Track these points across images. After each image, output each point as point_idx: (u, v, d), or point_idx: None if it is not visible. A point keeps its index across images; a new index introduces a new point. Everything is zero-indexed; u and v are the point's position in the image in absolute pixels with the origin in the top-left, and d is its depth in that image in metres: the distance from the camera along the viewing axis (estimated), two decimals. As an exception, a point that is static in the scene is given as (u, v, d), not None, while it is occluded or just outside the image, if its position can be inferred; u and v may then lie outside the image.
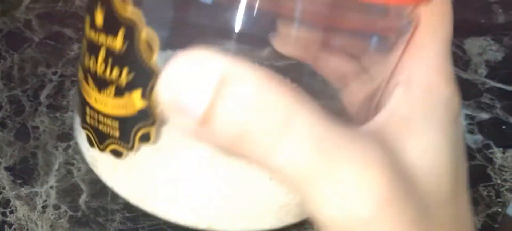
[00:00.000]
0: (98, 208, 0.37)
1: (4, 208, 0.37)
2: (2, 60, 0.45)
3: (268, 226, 0.18)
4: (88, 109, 0.17)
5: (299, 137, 0.14)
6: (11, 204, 0.37)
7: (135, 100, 0.16)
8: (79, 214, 0.37)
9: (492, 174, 0.40)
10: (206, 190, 0.18)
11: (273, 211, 0.18)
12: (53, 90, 0.43)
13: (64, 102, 0.42)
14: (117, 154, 0.17)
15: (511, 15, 0.50)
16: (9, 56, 0.45)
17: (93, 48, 0.16)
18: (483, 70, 0.46)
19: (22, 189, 0.38)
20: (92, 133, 0.18)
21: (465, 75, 0.45)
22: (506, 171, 0.40)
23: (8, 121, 0.41)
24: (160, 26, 0.15)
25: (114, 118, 0.16)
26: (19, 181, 0.38)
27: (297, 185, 0.14)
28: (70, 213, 0.37)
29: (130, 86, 0.16)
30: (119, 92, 0.16)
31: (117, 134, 0.17)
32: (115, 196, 0.38)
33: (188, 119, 0.13)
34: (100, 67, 0.16)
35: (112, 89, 0.16)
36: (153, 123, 0.16)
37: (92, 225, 0.36)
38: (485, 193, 0.39)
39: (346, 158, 0.15)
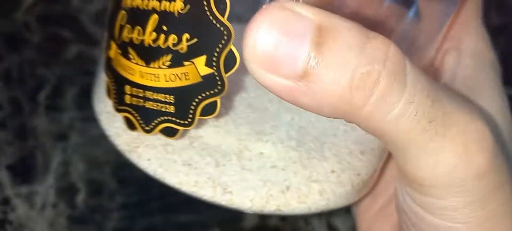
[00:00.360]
0: (95, 206, 0.38)
1: (4, 205, 0.37)
2: (1, 62, 0.45)
3: (333, 205, 0.17)
4: (128, 88, 0.16)
5: (414, 92, 0.13)
6: (11, 202, 0.37)
7: (198, 68, 0.14)
8: (77, 212, 0.37)
9: (485, 173, 0.40)
10: (277, 154, 0.16)
11: (330, 192, 0.17)
12: (51, 91, 0.44)
13: (63, 103, 0.43)
14: (170, 132, 0.15)
15: (505, 18, 0.50)
16: (8, 57, 0.46)
17: (139, 17, 0.15)
18: (476, 71, 0.46)
19: (22, 187, 0.38)
20: (135, 114, 0.16)
21: (459, 76, 0.46)
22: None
23: (7, 121, 0.42)
24: None
25: (168, 91, 0.15)
26: (18, 180, 0.38)
27: (407, 142, 0.14)
28: (68, 211, 0.37)
29: (193, 53, 0.14)
30: (177, 61, 0.14)
31: (171, 109, 0.15)
32: (112, 195, 0.38)
33: (285, 75, 0.12)
34: (149, 37, 0.14)
35: (166, 59, 0.15)
36: (220, 91, 0.14)
37: (90, 223, 0.37)
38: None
39: (459, 113, 0.14)
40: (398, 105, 0.13)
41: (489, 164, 0.15)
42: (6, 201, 0.37)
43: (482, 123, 0.16)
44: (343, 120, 0.15)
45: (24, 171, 0.39)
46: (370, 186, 0.19)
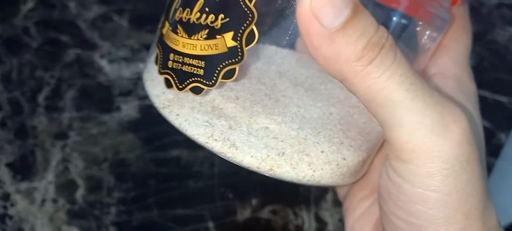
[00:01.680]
0: (94, 202, 0.38)
1: (4, 201, 0.38)
2: (1, 64, 0.46)
3: (318, 178, 0.20)
4: (172, 55, 0.19)
5: (402, 68, 0.17)
6: (11, 197, 0.38)
7: (226, 40, 0.18)
8: (76, 207, 0.38)
9: (463, 170, 0.42)
10: (280, 130, 0.20)
11: (317, 165, 0.20)
12: (50, 92, 0.44)
13: (61, 104, 0.44)
14: (197, 90, 0.19)
15: (480, 25, 0.52)
16: (8, 60, 0.46)
17: (189, 2, 0.19)
18: (454, 76, 0.48)
19: (22, 184, 0.39)
20: (173, 75, 0.19)
21: (438, 80, 0.48)
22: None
23: (8, 121, 0.42)
24: None
25: (201, 57, 0.18)
26: (19, 177, 0.39)
27: (393, 102, 0.17)
28: (68, 206, 0.38)
29: (224, 29, 0.18)
30: (212, 34, 0.18)
31: (201, 72, 0.19)
32: (110, 191, 0.39)
33: (325, 24, 0.16)
34: (194, 16, 0.18)
35: (204, 33, 0.18)
36: (240, 60, 0.18)
37: (88, 217, 0.37)
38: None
39: (437, 93, 0.17)
40: (389, 69, 0.17)
41: (463, 136, 0.17)
42: (6, 197, 0.38)
43: (459, 108, 0.18)
44: (336, 115, 0.19)
45: (24, 168, 0.40)
46: (354, 175, 0.21)
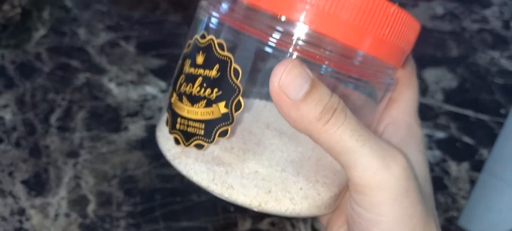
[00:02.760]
0: (104, 216, 0.40)
1: (20, 216, 0.39)
2: (15, 88, 0.48)
3: (299, 211, 0.24)
4: (179, 119, 0.24)
5: (351, 124, 0.21)
6: (26, 212, 0.40)
7: (220, 108, 0.23)
8: (88, 221, 0.39)
9: (448, 184, 0.44)
10: (267, 173, 0.24)
11: (297, 201, 0.23)
12: (62, 114, 0.46)
13: (72, 124, 0.45)
14: (199, 146, 0.23)
15: (462, 49, 0.55)
16: (22, 84, 0.48)
17: (191, 78, 0.24)
18: (439, 96, 0.50)
19: (36, 199, 0.40)
20: (181, 135, 0.24)
21: (424, 101, 0.50)
22: (460, 181, 0.44)
23: (22, 141, 0.44)
24: (240, 64, 0.22)
25: (202, 121, 0.23)
26: (33, 193, 0.41)
27: (348, 149, 0.21)
28: (80, 220, 0.39)
29: (218, 99, 0.23)
30: (209, 104, 0.23)
31: (202, 132, 0.23)
32: (119, 205, 0.41)
33: (291, 96, 0.21)
34: (196, 89, 0.23)
35: (203, 102, 0.23)
36: (231, 123, 0.22)
37: (99, 230, 0.39)
38: (442, 199, 0.43)
39: (381, 140, 0.22)
40: (342, 126, 0.22)
41: (402, 172, 0.22)
42: (22, 212, 0.40)
43: (400, 152, 0.23)
44: (314, 157, 0.24)
45: (38, 185, 0.41)
46: (329, 207, 0.27)
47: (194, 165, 0.24)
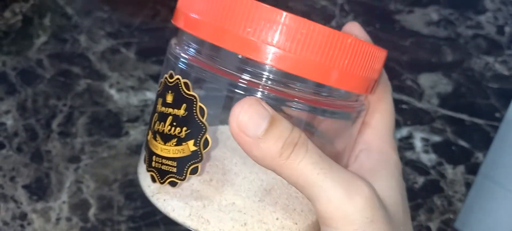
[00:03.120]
0: (105, 219, 0.40)
1: (22, 220, 0.40)
2: (17, 94, 0.48)
3: None
4: (154, 157, 0.25)
5: (313, 157, 0.22)
6: (28, 217, 0.40)
7: (189, 146, 0.23)
8: (89, 225, 0.40)
9: (444, 186, 0.44)
10: (244, 204, 0.25)
11: (287, 229, 0.25)
12: (63, 119, 0.46)
13: (73, 130, 0.46)
14: (173, 184, 0.24)
15: (457, 55, 0.55)
16: (23, 90, 0.49)
17: (163, 117, 0.24)
18: (435, 101, 0.51)
19: (38, 204, 0.41)
20: (156, 173, 0.25)
21: (419, 105, 0.50)
22: (456, 184, 0.45)
23: (24, 146, 0.44)
24: (207, 103, 0.23)
25: (174, 159, 0.24)
26: (34, 197, 0.41)
27: (310, 183, 0.22)
28: (81, 224, 0.40)
29: (187, 138, 0.23)
30: (179, 142, 0.23)
31: (175, 170, 0.24)
32: (120, 209, 0.41)
33: (249, 135, 0.21)
34: (167, 128, 0.24)
35: (174, 141, 0.24)
36: (200, 160, 0.23)
37: (100, 234, 0.39)
38: (439, 202, 0.43)
39: (345, 172, 0.22)
40: (303, 159, 0.22)
41: (365, 203, 0.22)
42: (24, 216, 0.40)
43: (363, 182, 0.23)
44: (289, 187, 0.24)
45: (40, 190, 0.41)
46: None
47: (171, 201, 0.24)
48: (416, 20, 0.58)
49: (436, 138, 0.48)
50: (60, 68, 0.51)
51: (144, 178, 0.26)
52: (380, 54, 0.24)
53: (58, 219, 0.40)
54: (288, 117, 0.24)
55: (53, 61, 0.51)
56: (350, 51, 0.22)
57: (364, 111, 0.26)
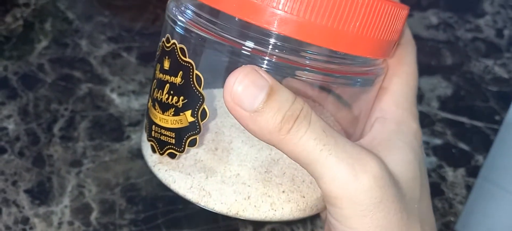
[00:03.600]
0: (107, 223, 0.40)
1: (24, 225, 0.40)
2: (18, 98, 0.48)
3: (279, 216, 0.23)
4: (154, 127, 0.23)
5: (315, 132, 0.20)
6: (30, 221, 0.40)
7: (187, 117, 0.22)
8: (91, 229, 0.40)
9: (445, 189, 0.44)
10: (249, 175, 0.23)
11: (279, 205, 0.23)
12: (65, 123, 0.47)
13: (75, 134, 0.46)
14: (172, 155, 0.23)
15: (457, 57, 0.56)
16: (24, 95, 0.49)
17: (161, 84, 0.22)
18: (435, 104, 0.51)
19: (40, 208, 0.41)
20: (155, 143, 0.23)
21: (419, 108, 0.50)
22: (456, 187, 0.45)
23: (26, 150, 0.44)
24: (204, 71, 0.21)
25: (172, 130, 0.22)
26: (37, 202, 0.41)
27: (313, 160, 0.20)
28: (83, 228, 0.40)
29: (184, 108, 0.22)
30: (177, 112, 0.22)
31: (173, 141, 0.22)
32: (122, 213, 0.41)
33: (245, 108, 0.19)
34: (165, 97, 0.22)
35: (172, 111, 0.22)
36: (198, 132, 0.22)
37: (102, 238, 0.39)
38: (439, 205, 0.43)
39: (352, 147, 0.20)
40: (305, 134, 0.20)
41: (373, 182, 0.20)
42: (26, 221, 0.40)
43: (372, 158, 0.20)
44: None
45: (41, 194, 0.42)
46: (314, 209, 0.24)
47: (173, 172, 0.23)
48: (415, 23, 0.58)
49: (436, 141, 0.48)
50: (61, 72, 0.51)
51: (146, 147, 0.24)
52: (399, 12, 0.21)
53: (60, 223, 0.40)
54: (299, 85, 0.22)
55: (54, 65, 0.51)
56: (363, 12, 0.19)
57: (382, 75, 0.23)
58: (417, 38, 0.58)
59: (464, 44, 0.57)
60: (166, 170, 0.23)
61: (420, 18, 0.59)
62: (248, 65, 0.19)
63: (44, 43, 0.54)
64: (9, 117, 0.47)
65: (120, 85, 0.50)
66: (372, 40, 0.20)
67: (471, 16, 0.60)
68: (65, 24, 0.55)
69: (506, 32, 0.58)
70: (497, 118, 0.50)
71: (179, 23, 0.22)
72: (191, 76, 0.21)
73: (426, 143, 0.47)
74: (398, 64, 0.24)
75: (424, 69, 0.54)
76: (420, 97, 0.51)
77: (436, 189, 0.44)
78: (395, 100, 0.24)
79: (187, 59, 0.21)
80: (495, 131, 0.49)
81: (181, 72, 0.21)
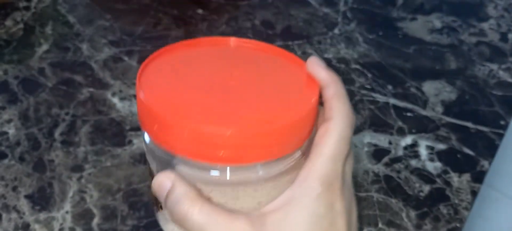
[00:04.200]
0: (109, 229, 0.40)
1: (24, 230, 0.39)
2: (19, 103, 0.48)
3: None
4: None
5: (203, 213, 0.25)
6: (30, 227, 0.39)
7: None
8: (93, 235, 0.39)
9: (450, 195, 0.44)
10: None
11: None
12: (66, 128, 0.46)
13: (76, 139, 0.45)
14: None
15: (461, 62, 0.55)
16: (25, 99, 0.48)
17: None
18: (439, 108, 0.51)
19: (41, 214, 0.40)
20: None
21: (424, 113, 0.50)
22: (462, 192, 0.44)
23: (26, 155, 0.44)
24: None
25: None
26: (37, 207, 0.41)
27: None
28: (84, 234, 0.39)
29: None
30: None
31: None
32: (124, 219, 0.41)
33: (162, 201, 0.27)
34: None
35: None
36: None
37: (104, 244, 0.39)
38: (445, 211, 0.43)
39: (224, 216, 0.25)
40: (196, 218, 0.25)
41: None
42: (26, 227, 0.39)
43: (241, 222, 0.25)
44: None
45: (42, 200, 0.41)
46: None
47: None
48: (419, 27, 0.58)
49: (441, 146, 0.47)
50: (62, 77, 0.50)
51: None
52: (271, 129, 0.24)
53: (61, 229, 0.39)
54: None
55: (55, 69, 0.51)
56: (273, 138, 0.25)
57: (298, 158, 0.27)
58: (420, 42, 0.58)
59: (468, 48, 0.57)
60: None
61: (423, 22, 0.59)
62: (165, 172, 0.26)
63: (44, 47, 0.53)
64: (9, 121, 0.46)
65: (121, 90, 0.49)
66: (285, 145, 0.25)
67: (475, 20, 0.59)
68: (66, 28, 0.55)
69: (510, 36, 0.58)
70: (502, 122, 0.50)
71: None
72: None
73: (430, 148, 0.47)
74: (317, 140, 0.26)
75: (428, 73, 0.53)
76: (425, 102, 0.51)
77: (441, 195, 0.44)
78: (306, 169, 0.26)
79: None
80: (500, 136, 0.48)
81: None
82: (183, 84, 0.26)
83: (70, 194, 0.42)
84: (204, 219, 0.25)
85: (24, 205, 0.41)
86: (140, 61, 0.52)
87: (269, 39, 0.55)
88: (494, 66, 0.55)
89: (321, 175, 0.25)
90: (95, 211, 0.41)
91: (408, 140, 0.47)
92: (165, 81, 0.26)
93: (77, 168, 0.43)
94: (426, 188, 0.44)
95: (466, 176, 0.45)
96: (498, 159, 0.48)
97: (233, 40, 0.29)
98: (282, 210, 0.25)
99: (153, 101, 0.24)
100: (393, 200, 0.43)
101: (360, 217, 0.41)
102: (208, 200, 0.26)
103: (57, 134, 0.46)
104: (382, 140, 0.47)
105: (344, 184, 0.26)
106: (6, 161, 0.43)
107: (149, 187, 0.29)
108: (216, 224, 0.25)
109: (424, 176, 0.45)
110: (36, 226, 0.40)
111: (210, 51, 0.29)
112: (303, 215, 0.25)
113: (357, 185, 0.44)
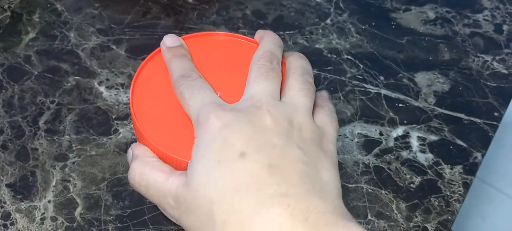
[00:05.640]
0: (92, 219, 0.39)
1: (5, 220, 0.38)
2: (3, 91, 0.47)
3: None
4: None
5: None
6: (11, 217, 0.38)
7: None
8: (75, 225, 0.38)
9: (442, 187, 0.43)
10: None
11: None
12: (50, 116, 0.45)
13: (61, 128, 0.44)
14: None
15: (454, 53, 0.54)
16: (10, 87, 0.47)
17: None
18: (432, 99, 0.50)
19: (22, 203, 0.39)
20: None
21: (416, 104, 0.49)
22: (454, 184, 0.43)
23: (9, 144, 0.43)
24: None
25: None
26: (19, 196, 0.39)
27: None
28: (66, 224, 0.38)
29: None
30: None
31: None
32: (107, 209, 0.40)
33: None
34: None
35: None
36: None
37: (86, 234, 0.38)
38: (436, 203, 0.42)
39: None
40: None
41: None
42: (7, 216, 0.38)
43: None
44: None
45: (24, 189, 0.40)
46: None
47: None
48: (413, 18, 0.57)
49: (433, 137, 0.46)
50: (49, 64, 0.49)
51: None
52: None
53: (42, 219, 0.38)
54: None
55: (41, 57, 0.50)
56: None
57: None
58: (414, 33, 0.57)
59: (462, 40, 0.55)
60: None
61: (417, 13, 0.58)
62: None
63: (31, 34, 0.52)
64: (-7, 109, 0.45)
65: (108, 78, 0.48)
66: None
67: (469, 11, 0.58)
68: (53, 16, 0.54)
69: (505, 27, 0.57)
70: (496, 114, 0.49)
71: None
72: None
73: (422, 140, 0.46)
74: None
75: (421, 64, 0.52)
76: (417, 93, 0.50)
77: (433, 187, 0.43)
78: None
79: None
80: (494, 127, 0.47)
81: None
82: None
83: (53, 183, 0.41)
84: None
85: (5, 194, 0.40)
86: (128, 50, 0.50)
87: (260, 29, 0.53)
88: (489, 58, 0.54)
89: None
90: (78, 200, 0.40)
91: (399, 131, 0.46)
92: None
93: (61, 157, 0.42)
94: (417, 180, 0.43)
95: (458, 168, 0.44)
96: (490, 154, 0.47)
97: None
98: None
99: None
100: (383, 192, 0.42)
101: (349, 209, 0.40)
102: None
103: (41, 122, 0.45)
104: (373, 131, 0.46)
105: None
106: (-12, 149, 0.42)
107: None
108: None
109: (415, 167, 0.44)
110: (17, 216, 0.38)
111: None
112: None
113: (347, 176, 0.43)
